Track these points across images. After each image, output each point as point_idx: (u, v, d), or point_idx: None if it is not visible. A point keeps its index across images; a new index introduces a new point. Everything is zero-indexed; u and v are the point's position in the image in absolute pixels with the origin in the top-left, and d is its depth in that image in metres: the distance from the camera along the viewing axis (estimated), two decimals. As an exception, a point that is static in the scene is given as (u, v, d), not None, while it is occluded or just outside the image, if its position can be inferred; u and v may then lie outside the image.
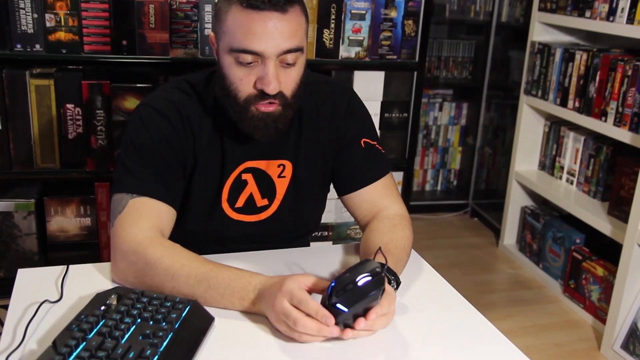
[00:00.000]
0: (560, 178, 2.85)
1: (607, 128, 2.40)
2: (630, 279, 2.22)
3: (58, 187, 2.09)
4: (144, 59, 2.00)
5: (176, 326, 0.94)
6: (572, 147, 2.77)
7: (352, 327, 0.96)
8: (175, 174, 1.22)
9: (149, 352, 0.86)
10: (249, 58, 1.11)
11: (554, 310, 2.63)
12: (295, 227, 1.37)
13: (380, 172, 1.33)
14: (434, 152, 3.71)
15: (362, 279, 0.95)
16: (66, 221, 2.06)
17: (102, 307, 0.96)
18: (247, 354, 0.96)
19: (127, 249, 1.11)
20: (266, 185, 1.30)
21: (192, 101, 1.25)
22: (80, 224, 2.08)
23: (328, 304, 0.95)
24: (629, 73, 2.30)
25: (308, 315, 0.95)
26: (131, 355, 0.85)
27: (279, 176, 1.30)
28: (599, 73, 2.46)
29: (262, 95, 1.13)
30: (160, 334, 0.90)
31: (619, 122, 2.34)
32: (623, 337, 2.25)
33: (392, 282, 1.07)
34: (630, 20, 2.25)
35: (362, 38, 2.19)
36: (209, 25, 2.02)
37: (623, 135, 2.31)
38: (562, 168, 2.84)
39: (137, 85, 1.99)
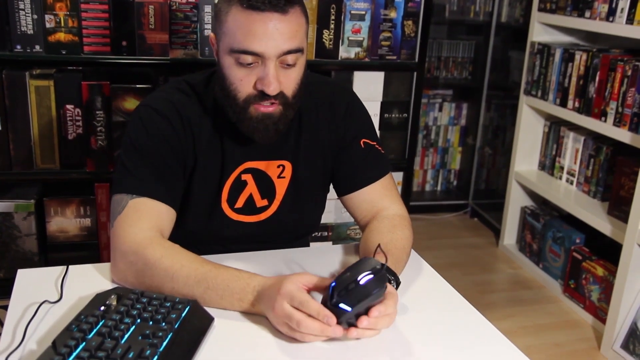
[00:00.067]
0: (560, 178, 2.85)
1: (606, 128, 2.40)
2: (630, 279, 2.22)
3: (58, 188, 2.09)
4: (143, 60, 2.00)
5: (176, 326, 0.94)
6: (572, 147, 2.77)
7: (355, 326, 0.96)
8: (175, 175, 1.22)
9: (148, 352, 0.86)
10: (249, 59, 1.11)
11: (554, 310, 2.63)
12: (294, 227, 1.37)
13: (380, 173, 1.33)
14: (433, 153, 3.71)
15: (364, 278, 0.95)
16: (66, 222, 2.07)
17: (102, 308, 0.96)
18: (247, 354, 0.96)
19: (127, 249, 1.11)
20: (266, 185, 1.30)
21: (192, 102, 1.25)
22: (80, 224, 2.08)
23: (330, 305, 0.95)
24: (629, 73, 2.30)
25: (310, 316, 0.95)
26: (131, 355, 0.86)
27: (279, 177, 1.30)
28: (598, 73, 2.46)
29: (262, 95, 1.13)
30: (160, 334, 0.90)
31: (618, 122, 2.34)
32: (623, 337, 2.25)
33: (392, 282, 1.07)
34: (630, 20, 2.25)
35: (361, 38, 2.19)
36: (209, 26, 2.03)
37: (623, 135, 2.31)
38: (562, 168, 2.84)
39: (137, 86, 1.99)
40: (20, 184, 2.09)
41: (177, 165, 1.22)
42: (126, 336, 0.90)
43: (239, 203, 1.29)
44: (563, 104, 2.67)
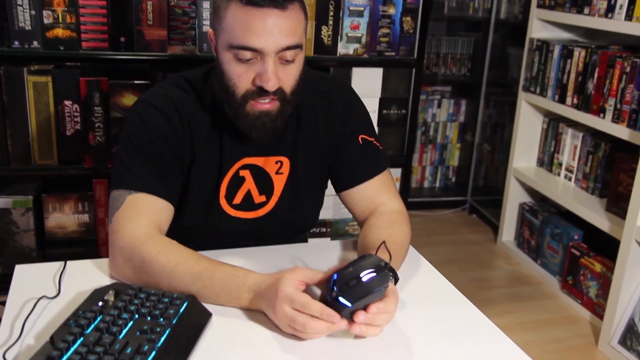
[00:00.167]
0: (559, 174, 2.85)
1: (605, 124, 2.40)
2: (628, 275, 2.22)
3: (56, 184, 2.09)
4: (142, 56, 2.00)
5: (174, 322, 0.94)
6: (571, 144, 2.77)
7: (352, 321, 0.96)
8: (173, 170, 1.22)
9: (146, 347, 0.87)
10: (248, 55, 1.11)
11: (552, 306, 2.64)
12: (292, 223, 1.37)
13: (378, 169, 1.33)
14: (432, 149, 3.71)
15: (367, 275, 0.94)
16: (64, 218, 2.07)
17: (100, 303, 0.96)
18: (245, 350, 0.96)
19: (125, 245, 1.11)
20: (264, 181, 1.30)
21: (190, 98, 1.25)
22: (78, 220, 2.08)
23: (330, 298, 0.95)
24: (627, 70, 2.30)
25: (312, 316, 0.94)
26: (129, 350, 0.86)
27: (277, 173, 1.30)
28: (597, 70, 2.46)
29: (260, 91, 1.13)
30: (158, 329, 0.90)
31: (617, 118, 2.34)
32: (620, 332, 2.26)
33: (391, 278, 1.07)
34: (629, 17, 2.25)
35: (360, 35, 2.19)
36: (207, 22, 2.02)
37: (621, 131, 2.31)
38: (560, 164, 2.84)
39: (135, 82, 1.99)
40: (19, 179, 2.09)
41: (175, 161, 1.22)
42: (124, 332, 0.90)
43: (237, 199, 1.29)
44: (562, 100, 2.67)
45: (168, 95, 1.23)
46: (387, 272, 0.96)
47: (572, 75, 2.60)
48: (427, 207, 3.61)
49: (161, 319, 0.94)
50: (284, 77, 1.14)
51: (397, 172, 2.41)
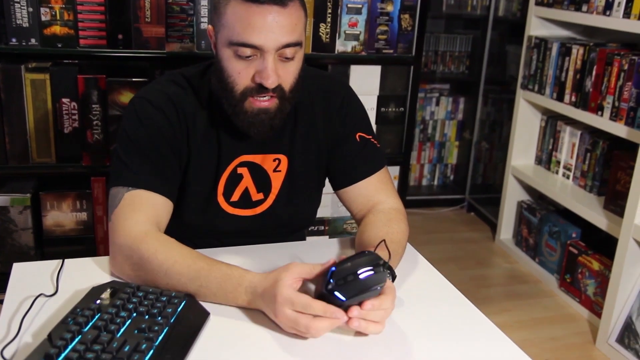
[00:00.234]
0: (557, 172, 2.85)
1: (603, 122, 2.40)
2: (625, 273, 2.23)
3: (54, 182, 2.09)
4: (139, 53, 1.99)
5: (172, 321, 0.94)
6: (569, 142, 2.77)
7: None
8: (171, 166, 1.21)
9: (144, 346, 0.86)
10: (247, 51, 1.11)
11: (550, 305, 2.64)
12: (290, 221, 1.37)
13: (376, 167, 1.33)
14: (430, 147, 3.71)
15: (364, 273, 0.95)
16: (62, 216, 2.06)
17: (98, 301, 0.96)
18: (243, 349, 0.96)
19: (123, 242, 1.11)
20: (261, 179, 1.30)
21: (188, 94, 1.24)
22: (76, 218, 2.08)
23: (326, 291, 0.95)
24: (625, 67, 2.30)
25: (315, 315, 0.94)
26: (126, 349, 0.85)
27: (275, 170, 1.30)
28: (595, 67, 2.46)
29: (259, 88, 1.13)
30: (156, 328, 0.90)
31: (615, 116, 2.34)
32: (618, 331, 2.26)
33: (388, 275, 1.07)
34: (627, 14, 2.25)
35: (358, 32, 2.19)
36: (205, 19, 2.02)
37: (619, 129, 2.31)
38: (558, 162, 2.84)
39: (133, 79, 1.99)
40: (16, 177, 2.09)
41: (173, 157, 1.22)
42: (122, 330, 0.90)
43: (235, 196, 1.29)
44: (560, 98, 2.67)
45: (165, 91, 1.23)
46: (384, 271, 0.96)
47: (570, 73, 2.60)
48: (426, 205, 3.62)
49: (159, 318, 0.94)
50: (284, 74, 1.14)
51: (395, 170, 2.41)
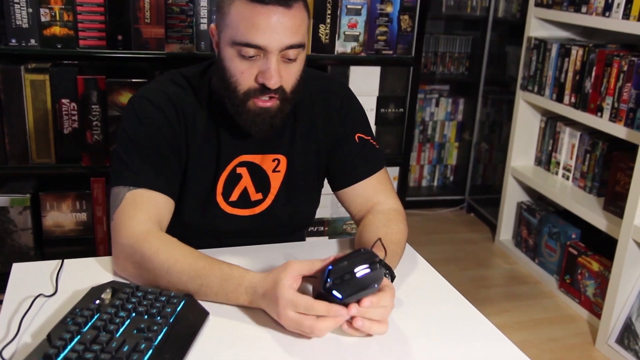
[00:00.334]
0: (556, 173, 2.85)
1: (602, 123, 2.40)
2: (625, 274, 2.23)
3: (54, 182, 2.09)
4: (139, 54, 1.99)
5: (171, 320, 0.94)
6: (568, 143, 2.77)
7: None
8: (171, 165, 1.21)
9: (143, 346, 0.86)
10: (251, 52, 1.11)
11: (550, 305, 2.64)
12: (289, 221, 1.37)
13: (375, 167, 1.33)
14: (430, 148, 3.71)
15: (361, 271, 0.95)
16: (62, 216, 2.06)
17: (97, 301, 0.96)
18: (242, 349, 0.96)
19: (126, 242, 1.11)
20: (260, 179, 1.30)
21: (187, 94, 1.24)
22: (75, 219, 2.08)
23: (324, 290, 0.95)
24: (625, 68, 2.30)
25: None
26: (125, 349, 0.85)
27: (274, 170, 1.30)
28: (594, 68, 2.46)
29: (262, 89, 1.13)
30: (155, 328, 0.90)
31: (614, 117, 2.34)
32: (618, 331, 2.26)
33: (387, 275, 1.07)
34: (626, 15, 2.25)
35: (358, 33, 2.19)
36: (205, 20, 2.02)
37: (618, 130, 2.31)
38: (558, 163, 2.84)
39: (133, 80, 1.99)
40: (16, 178, 2.09)
41: (173, 156, 1.22)
42: (121, 330, 0.90)
43: (234, 196, 1.29)
44: (559, 99, 2.67)
45: (164, 90, 1.23)
46: (381, 269, 0.96)
47: (570, 74, 2.61)
48: (425, 206, 3.62)
49: (158, 318, 0.94)
50: (286, 75, 1.14)
51: (394, 171, 2.41)
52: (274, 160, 1.29)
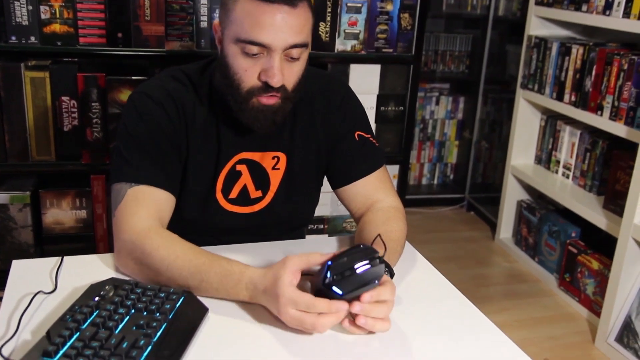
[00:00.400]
0: (556, 172, 2.85)
1: (602, 122, 2.40)
2: (625, 273, 2.23)
3: (54, 180, 2.09)
4: (139, 52, 1.99)
5: (170, 317, 0.94)
6: (568, 141, 2.77)
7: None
8: (172, 161, 1.21)
9: (142, 342, 0.86)
10: (255, 49, 1.11)
11: (549, 304, 2.64)
12: (288, 219, 1.37)
13: (374, 165, 1.33)
14: (430, 146, 3.71)
15: (361, 267, 0.95)
16: (62, 214, 2.06)
17: (96, 298, 0.96)
18: (242, 345, 0.96)
19: (127, 239, 1.11)
20: (260, 176, 1.30)
21: (188, 91, 1.24)
22: (75, 216, 2.08)
23: (323, 285, 0.95)
24: (625, 67, 2.30)
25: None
26: (125, 345, 0.86)
27: (273, 168, 1.30)
28: (595, 67, 2.46)
29: (265, 87, 1.13)
30: (154, 324, 0.90)
31: (614, 116, 2.34)
32: (617, 330, 2.26)
33: (387, 272, 1.07)
34: (627, 14, 2.25)
35: (358, 31, 2.19)
36: (205, 18, 2.02)
37: (619, 129, 2.31)
38: (558, 162, 2.84)
39: (133, 77, 1.99)
40: (16, 175, 2.09)
41: (173, 152, 1.22)
42: (120, 326, 0.90)
43: (233, 193, 1.29)
44: (559, 97, 2.67)
45: (165, 86, 1.23)
46: (380, 265, 0.96)
47: (570, 73, 2.60)
48: (425, 204, 3.62)
49: (157, 314, 0.94)
50: (288, 74, 1.14)
51: (394, 169, 2.41)
52: (273, 158, 1.29)
